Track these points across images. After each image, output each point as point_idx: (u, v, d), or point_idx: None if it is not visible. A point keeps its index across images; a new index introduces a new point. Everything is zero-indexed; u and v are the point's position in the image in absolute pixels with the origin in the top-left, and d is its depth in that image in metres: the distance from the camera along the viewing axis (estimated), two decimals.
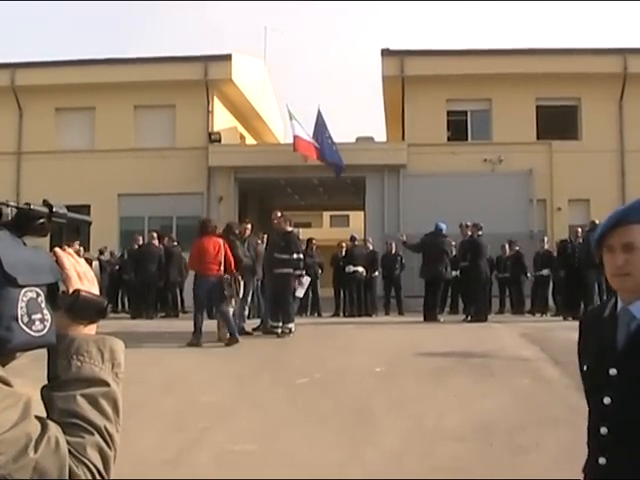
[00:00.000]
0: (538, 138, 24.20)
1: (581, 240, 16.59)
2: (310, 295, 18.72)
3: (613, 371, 2.10)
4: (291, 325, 12.78)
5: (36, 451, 1.15)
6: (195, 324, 11.79)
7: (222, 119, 26.24)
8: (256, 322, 13.75)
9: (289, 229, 13.03)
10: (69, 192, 21.84)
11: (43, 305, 1.22)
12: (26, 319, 1.18)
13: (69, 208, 1.43)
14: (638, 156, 23.20)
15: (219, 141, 24.81)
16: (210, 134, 24.79)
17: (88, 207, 23.12)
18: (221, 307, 11.99)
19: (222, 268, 12.08)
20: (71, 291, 1.33)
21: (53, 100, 24.96)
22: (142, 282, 17.73)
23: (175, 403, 7.51)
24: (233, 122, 27.80)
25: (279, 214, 13.28)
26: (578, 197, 23.48)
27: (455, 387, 8.10)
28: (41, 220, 1.35)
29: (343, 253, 18.90)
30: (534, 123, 24.25)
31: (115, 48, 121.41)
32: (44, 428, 1.18)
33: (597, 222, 16.47)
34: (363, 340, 12.44)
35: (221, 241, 12.29)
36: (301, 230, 30.38)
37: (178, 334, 13.87)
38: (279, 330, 12.65)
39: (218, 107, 25.79)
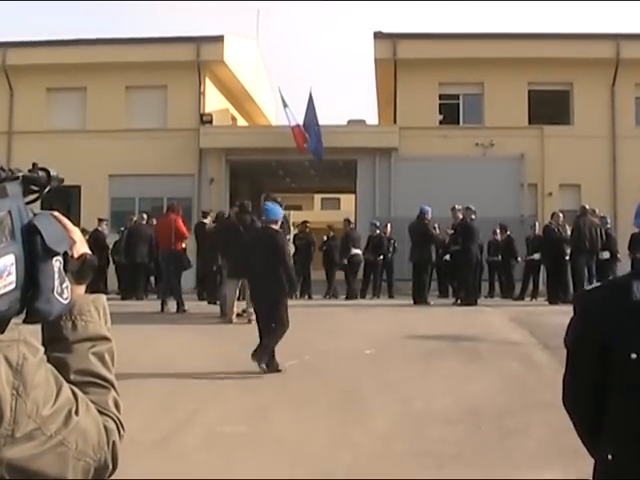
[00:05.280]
0: (530, 123, 24.17)
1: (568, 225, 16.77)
2: (301, 277, 18.72)
3: None
4: None
5: (77, 414, 1.19)
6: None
7: (214, 100, 26.09)
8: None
9: None
10: (59, 172, 21.69)
11: (64, 272, 1.22)
12: (59, 289, 1.19)
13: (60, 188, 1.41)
14: (629, 142, 23.22)
15: (210, 122, 24.68)
16: (202, 115, 24.65)
17: (79, 187, 23.06)
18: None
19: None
20: (77, 255, 1.33)
21: (44, 80, 24.73)
22: (133, 263, 17.65)
23: (164, 384, 7.51)
24: (225, 104, 27.65)
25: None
26: (569, 182, 23.49)
27: (444, 370, 8.13)
28: (47, 188, 1.35)
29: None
30: (526, 107, 24.21)
31: (107, 28, 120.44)
32: (73, 392, 1.21)
33: (587, 207, 16.54)
34: (353, 322, 12.47)
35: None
36: (292, 212, 30.36)
37: (168, 315, 13.92)
38: None
39: (210, 88, 25.63)
